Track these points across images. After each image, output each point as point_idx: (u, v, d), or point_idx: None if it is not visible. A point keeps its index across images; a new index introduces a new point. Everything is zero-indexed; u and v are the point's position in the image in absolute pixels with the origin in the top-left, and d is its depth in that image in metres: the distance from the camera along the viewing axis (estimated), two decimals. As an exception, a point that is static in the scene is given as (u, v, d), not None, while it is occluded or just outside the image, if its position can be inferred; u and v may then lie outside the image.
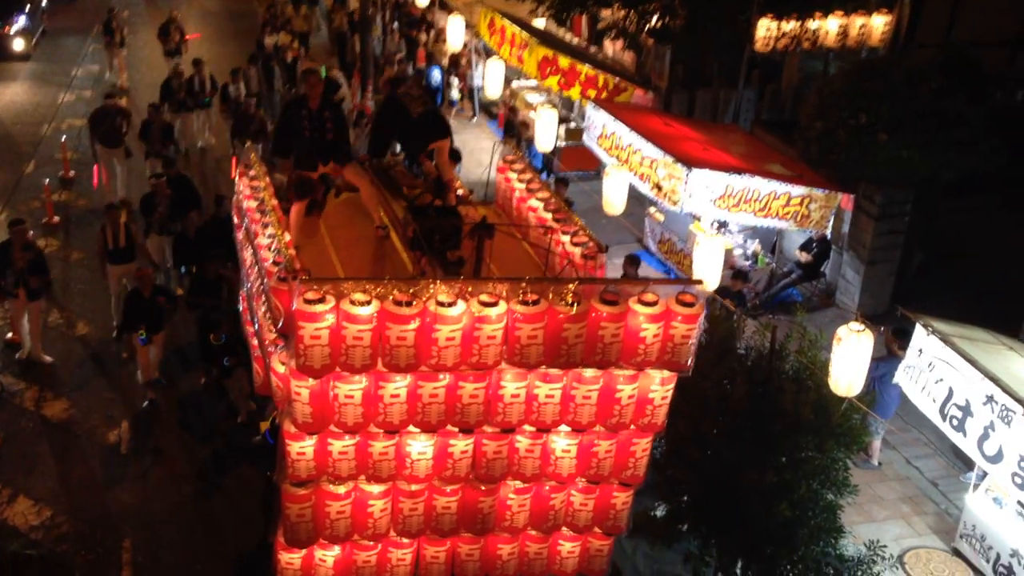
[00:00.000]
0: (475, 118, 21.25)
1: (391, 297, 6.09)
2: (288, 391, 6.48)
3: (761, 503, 8.09)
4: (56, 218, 15.84)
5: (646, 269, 14.22)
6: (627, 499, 7.37)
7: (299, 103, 8.15)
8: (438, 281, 6.17)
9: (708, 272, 11.02)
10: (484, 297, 6.21)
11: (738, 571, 8.76)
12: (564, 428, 6.81)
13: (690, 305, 6.44)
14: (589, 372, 6.55)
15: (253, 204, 7.86)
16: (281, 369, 6.66)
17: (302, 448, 6.59)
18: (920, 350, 9.52)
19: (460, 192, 9.55)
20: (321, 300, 6.01)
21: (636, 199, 14.74)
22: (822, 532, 8.34)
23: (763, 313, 13.27)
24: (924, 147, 12.88)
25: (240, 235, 8.46)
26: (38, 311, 12.28)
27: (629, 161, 13.91)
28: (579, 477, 7.13)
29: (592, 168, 17.55)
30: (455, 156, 10.50)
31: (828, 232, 13.89)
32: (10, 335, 12.52)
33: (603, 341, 6.38)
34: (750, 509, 8.12)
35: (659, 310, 6.39)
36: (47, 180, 16.46)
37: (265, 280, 6.84)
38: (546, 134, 14.31)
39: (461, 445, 6.77)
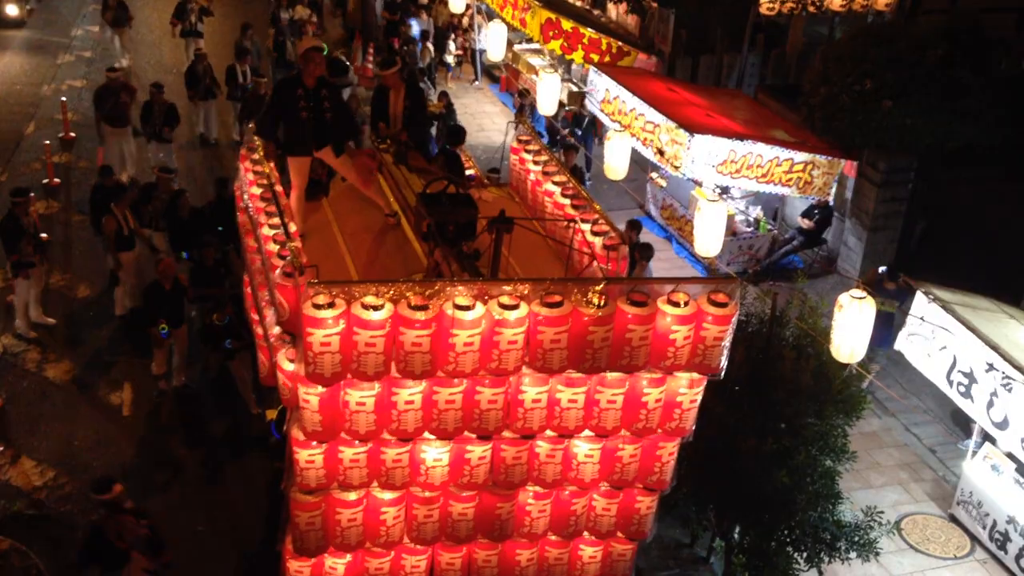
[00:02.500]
0: (477, 81, 21.12)
1: (405, 300, 5.76)
2: (295, 395, 6.20)
3: (760, 469, 8.14)
4: (57, 180, 15.79)
5: (647, 235, 14.20)
6: (651, 503, 7.03)
7: (293, 82, 7.66)
8: (455, 283, 5.84)
9: (709, 238, 11.00)
10: (504, 299, 5.85)
11: (736, 536, 8.84)
12: (587, 432, 6.51)
13: (723, 305, 6.07)
14: (614, 375, 6.24)
15: (256, 191, 7.54)
16: (287, 366, 6.39)
17: (311, 456, 6.30)
18: (922, 317, 9.54)
19: (471, 173, 9.25)
20: (331, 305, 5.69)
21: (638, 164, 14.70)
22: (820, 498, 8.40)
23: (764, 279, 13.27)
24: (928, 115, 12.82)
25: (243, 218, 8.20)
26: (41, 275, 12.29)
27: (632, 126, 13.84)
28: (602, 482, 6.81)
29: (594, 133, 17.48)
30: (457, 135, 10.15)
31: (831, 199, 13.86)
32: (10, 297, 12.48)
33: (630, 344, 6.03)
34: (749, 475, 8.17)
35: (690, 311, 6.04)
36: (47, 141, 16.38)
37: (270, 274, 6.57)
38: (548, 98, 14.23)
39: (479, 451, 6.47)
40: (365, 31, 20.54)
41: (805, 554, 8.46)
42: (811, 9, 16.19)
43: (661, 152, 13.35)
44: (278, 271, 6.32)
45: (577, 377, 6.18)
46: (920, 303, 9.66)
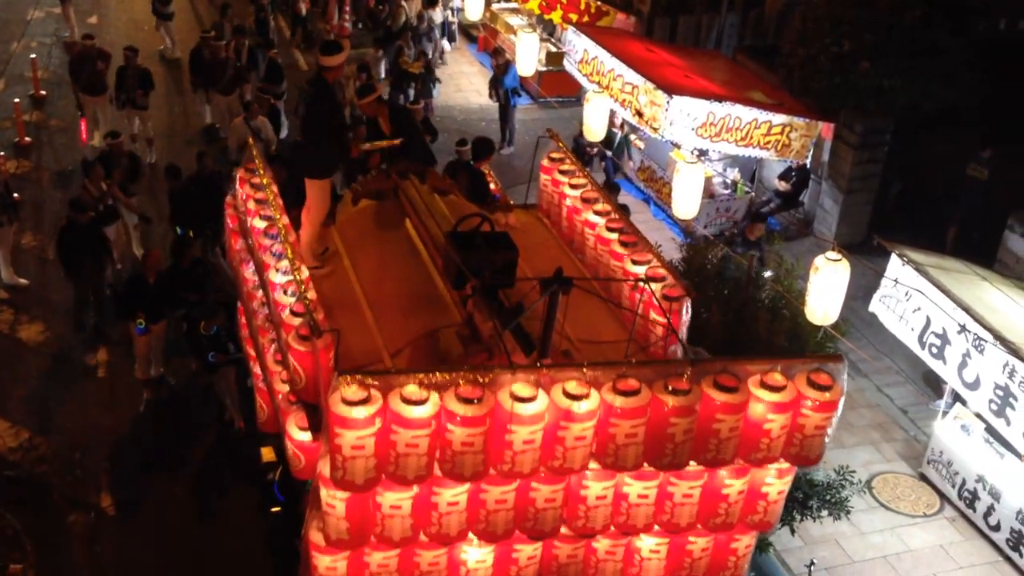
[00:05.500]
0: (455, 42, 20.92)
1: (454, 389, 4.88)
2: (309, 471, 5.53)
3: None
4: (28, 139, 15.55)
5: (624, 196, 14.19)
6: None
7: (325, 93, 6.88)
8: (513, 369, 4.97)
9: (687, 200, 11.00)
10: (571, 387, 4.98)
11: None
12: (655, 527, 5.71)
13: (826, 389, 5.25)
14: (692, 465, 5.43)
15: (260, 224, 6.76)
16: (299, 436, 5.76)
17: (333, 563, 5.42)
18: (896, 280, 9.61)
19: (494, 191, 8.41)
20: (365, 400, 4.79)
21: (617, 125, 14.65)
22: (793, 457, 8.50)
23: (741, 242, 13.29)
24: (905, 77, 12.84)
25: (237, 244, 7.48)
26: (10, 235, 12.15)
27: (610, 87, 13.77)
28: None
29: (573, 94, 17.39)
30: (482, 150, 9.21)
31: (807, 161, 13.88)
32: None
33: (718, 436, 5.19)
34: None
35: (788, 397, 5.21)
36: (17, 99, 16.09)
37: (280, 332, 5.86)
38: (527, 58, 14.11)
39: (528, 551, 5.59)
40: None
41: (778, 513, 8.55)
42: (790, -31, 16.11)
43: (640, 114, 13.31)
44: (292, 334, 5.56)
45: (649, 470, 5.36)
46: (894, 265, 9.73)
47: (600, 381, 5.03)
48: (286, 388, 6.02)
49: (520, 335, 5.51)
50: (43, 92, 17.02)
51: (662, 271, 6.28)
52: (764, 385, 5.20)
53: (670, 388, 5.05)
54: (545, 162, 7.58)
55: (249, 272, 7.09)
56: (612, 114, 14.22)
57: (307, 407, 5.75)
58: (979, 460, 9.66)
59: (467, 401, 4.84)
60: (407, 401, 4.82)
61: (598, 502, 5.41)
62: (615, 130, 14.71)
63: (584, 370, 5.01)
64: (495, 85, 16.38)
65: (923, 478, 10.28)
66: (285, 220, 6.58)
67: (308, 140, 7.01)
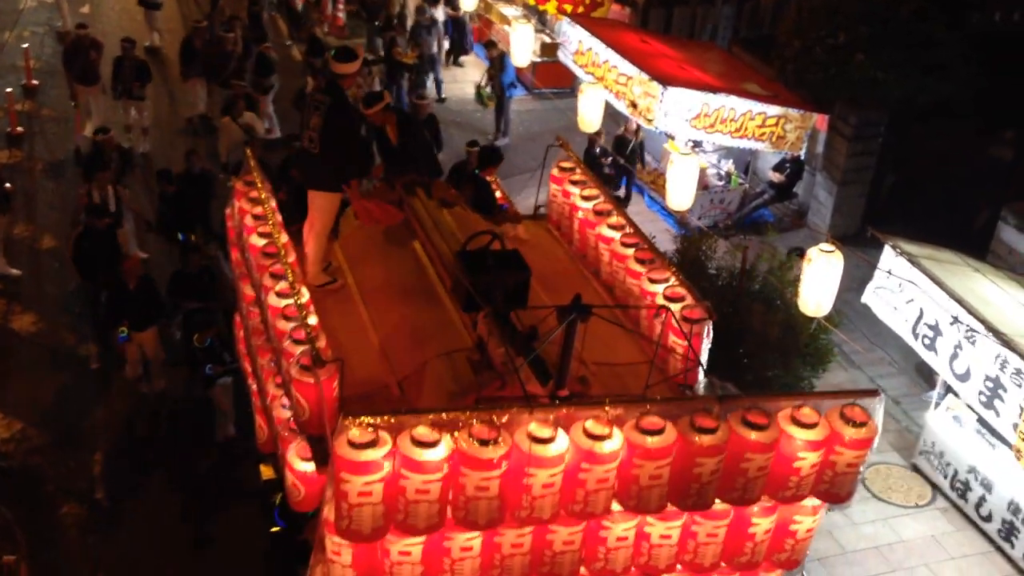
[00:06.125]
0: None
1: (468, 429, 4.58)
2: (311, 502, 5.37)
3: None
4: (20, 128, 15.47)
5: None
6: None
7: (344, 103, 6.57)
8: (532, 407, 4.72)
9: (681, 191, 11.00)
10: (593, 426, 4.70)
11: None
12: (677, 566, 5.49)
13: (861, 425, 5.01)
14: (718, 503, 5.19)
15: (258, 242, 6.45)
16: (301, 467, 5.51)
17: None
18: (889, 271, 9.62)
19: (500, 202, 8.18)
20: (373, 443, 4.50)
21: (612, 117, 14.62)
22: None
23: (735, 233, 13.31)
24: (900, 69, 12.84)
25: (236, 256, 7.22)
26: (2, 225, 12.10)
27: (605, 78, 13.75)
28: None
29: (567, 85, 17.34)
30: (490, 159, 8.86)
31: (802, 153, 13.88)
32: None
33: (746, 475, 4.95)
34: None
35: (821, 434, 4.96)
36: (9, 89, 16.02)
37: (282, 360, 5.60)
38: (521, 49, 14.08)
39: None
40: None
41: (771, 504, 8.57)
42: (786, -40, 16.08)
43: (634, 105, 13.29)
44: (294, 364, 5.29)
45: (673, 509, 5.11)
46: (888, 257, 9.74)
47: (623, 418, 4.75)
48: (286, 415, 5.78)
49: (535, 362, 5.29)
50: (35, 82, 16.93)
51: (681, 291, 6.04)
52: (795, 421, 4.96)
53: (697, 426, 4.78)
54: (555, 172, 7.29)
55: (248, 288, 6.81)
56: (626, 121, 14.07)
57: (311, 439, 5.45)
58: (971, 451, 9.68)
59: (482, 442, 4.55)
60: (418, 443, 4.52)
61: (619, 543, 5.18)
62: (628, 136, 14.36)
63: (606, 408, 4.71)
64: (493, 78, 16.32)
65: (915, 469, 10.31)
66: (284, 238, 6.30)
67: (323, 151, 6.66)
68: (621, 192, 14.12)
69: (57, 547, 8.82)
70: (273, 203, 6.67)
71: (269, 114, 15.46)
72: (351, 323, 6.19)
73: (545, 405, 4.91)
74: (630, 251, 6.47)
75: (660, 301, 5.95)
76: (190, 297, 10.09)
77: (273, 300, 5.93)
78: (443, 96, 17.39)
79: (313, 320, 5.56)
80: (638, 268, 6.38)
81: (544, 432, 4.61)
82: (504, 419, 4.61)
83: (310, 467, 5.47)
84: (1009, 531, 9.27)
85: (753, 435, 4.86)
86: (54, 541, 8.86)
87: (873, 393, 5.14)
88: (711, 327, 5.92)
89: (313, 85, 14.38)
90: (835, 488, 5.15)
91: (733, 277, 9.09)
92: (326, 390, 5.11)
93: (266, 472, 7.36)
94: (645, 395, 5.20)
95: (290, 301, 5.74)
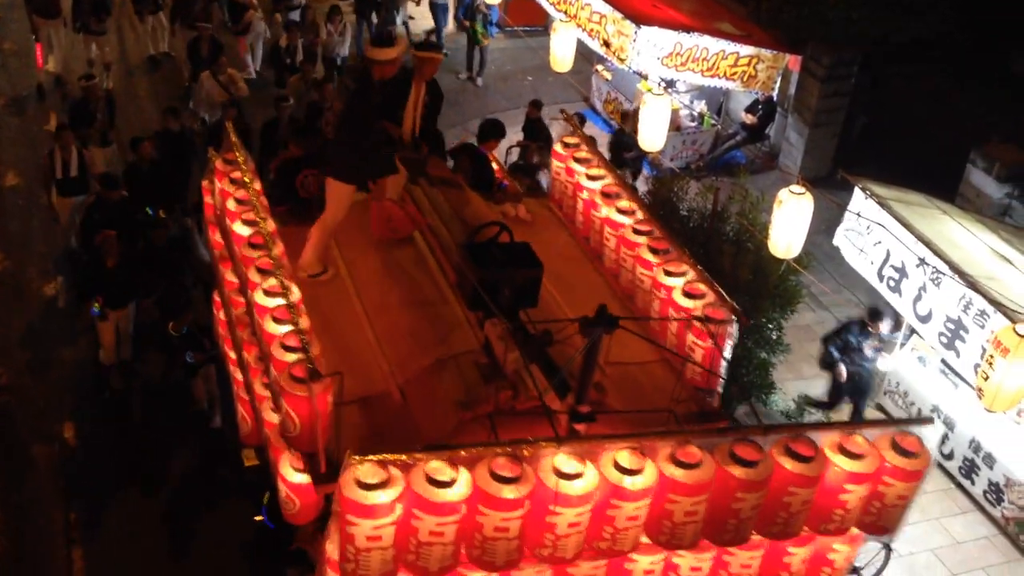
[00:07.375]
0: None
1: (486, 463, 4.16)
2: (306, 517, 5.09)
3: (697, 360, 8.27)
4: (-22, 64, 15.11)
5: (591, 128, 14.08)
6: None
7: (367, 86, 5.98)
8: (557, 442, 4.28)
9: (653, 132, 10.95)
10: (624, 458, 4.29)
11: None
12: None
13: (913, 455, 4.61)
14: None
15: (243, 231, 5.85)
16: (295, 478, 5.12)
17: None
18: (858, 213, 9.68)
19: (499, 179, 7.65)
20: (384, 483, 4.06)
21: (584, 56, 14.47)
22: (754, 388, 8.63)
23: (707, 175, 13.32)
24: (873, 9, 12.79)
25: (216, 236, 6.61)
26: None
27: (578, 16, 13.59)
28: None
29: (540, 23, 17.12)
30: (491, 133, 8.01)
31: (774, 94, 13.85)
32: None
33: (788, 510, 4.55)
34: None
35: (870, 467, 4.56)
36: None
37: (271, 367, 5.14)
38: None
39: None
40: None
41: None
42: None
43: (607, 44, 13.17)
44: (285, 376, 4.84)
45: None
46: (857, 199, 9.79)
47: (655, 447, 4.37)
48: (275, 418, 5.29)
49: (550, 370, 4.89)
50: (-8, 15, 16.49)
51: (701, 286, 5.58)
52: (843, 451, 4.57)
53: (737, 457, 4.37)
54: (558, 147, 6.83)
55: (231, 275, 6.24)
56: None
57: (304, 454, 5.05)
58: (934, 390, 9.87)
59: (504, 480, 4.12)
60: (433, 482, 4.10)
61: None
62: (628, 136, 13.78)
63: (639, 441, 4.33)
64: (470, 16, 16.00)
65: (880, 408, 10.49)
66: (271, 226, 5.76)
67: (340, 139, 6.27)
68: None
69: (29, 487, 8.78)
70: (258, 185, 6.11)
71: (246, 62, 15.10)
72: (345, 319, 5.77)
73: (574, 438, 4.56)
74: (642, 239, 6.02)
75: (677, 297, 5.48)
76: (156, 274, 9.52)
77: (261, 299, 5.44)
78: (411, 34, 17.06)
79: (305, 323, 5.15)
80: (651, 258, 5.94)
81: (571, 467, 4.21)
82: (529, 454, 4.22)
83: (305, 479, 5.09)
84: (970, 468, 9.49)
85: (799, 468, 4.46)
86: (25, 482, 8.83)
87: (927, 421, 4.84)
88: (737, 328, 5.48)
89: (286, 39, 14.15)
90: (882, 521, 4.80)
91: (704, 219, 9.11)
92: (320, 404, 4.72)
93: (249, 458, 6.81)
94: (672, 410, 4.82)
95: (281, 302, 5.28)
